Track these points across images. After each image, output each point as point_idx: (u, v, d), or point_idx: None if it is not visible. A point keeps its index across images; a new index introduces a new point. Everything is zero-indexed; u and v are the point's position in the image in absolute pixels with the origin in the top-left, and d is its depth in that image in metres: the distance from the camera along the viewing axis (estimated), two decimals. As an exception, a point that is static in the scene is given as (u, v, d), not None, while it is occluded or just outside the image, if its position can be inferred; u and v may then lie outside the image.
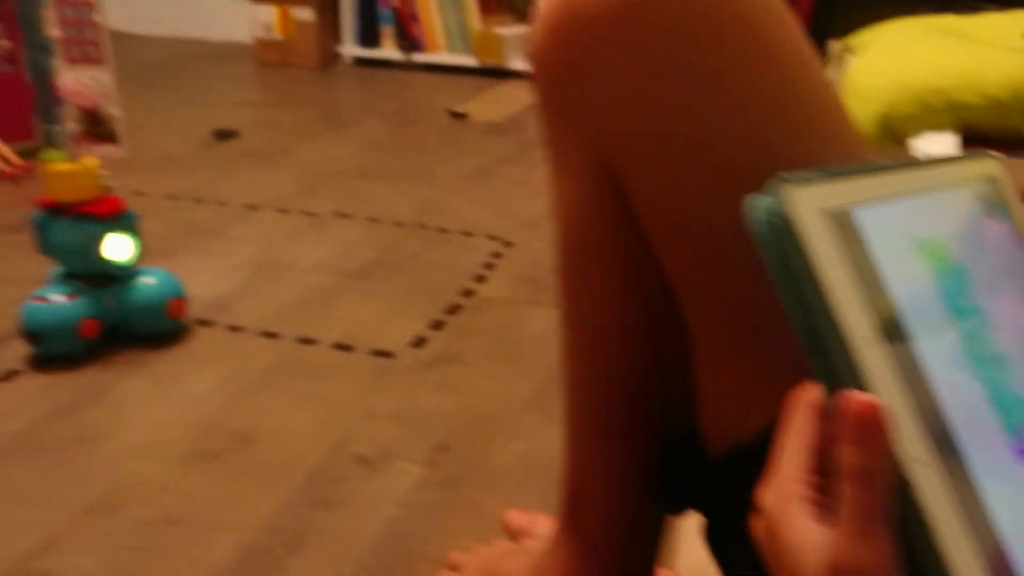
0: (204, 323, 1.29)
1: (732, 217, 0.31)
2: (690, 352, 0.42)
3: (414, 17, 3.18)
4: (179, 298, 1.23)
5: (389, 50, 3.24)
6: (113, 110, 2.02)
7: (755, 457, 0.33)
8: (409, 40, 3.20)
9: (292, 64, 3.17)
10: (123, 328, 1.21)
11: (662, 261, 0.39)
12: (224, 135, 2.26)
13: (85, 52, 1.97)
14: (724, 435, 0.39)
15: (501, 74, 3.14)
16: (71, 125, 2.04)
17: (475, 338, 1.27)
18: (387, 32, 3.24)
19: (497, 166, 2.10)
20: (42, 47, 1.99)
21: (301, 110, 2.60)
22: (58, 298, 1.15)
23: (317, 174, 2.00)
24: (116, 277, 1.20)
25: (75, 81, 1.99)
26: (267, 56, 3.20)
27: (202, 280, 1.43)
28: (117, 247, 1.18)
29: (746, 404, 0.37)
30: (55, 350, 1.16)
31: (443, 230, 1.68)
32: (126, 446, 1.00)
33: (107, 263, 1.18)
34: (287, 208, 1.77)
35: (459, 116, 2.56)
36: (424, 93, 2.87)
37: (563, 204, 0.43)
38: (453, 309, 1.36)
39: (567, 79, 0.37)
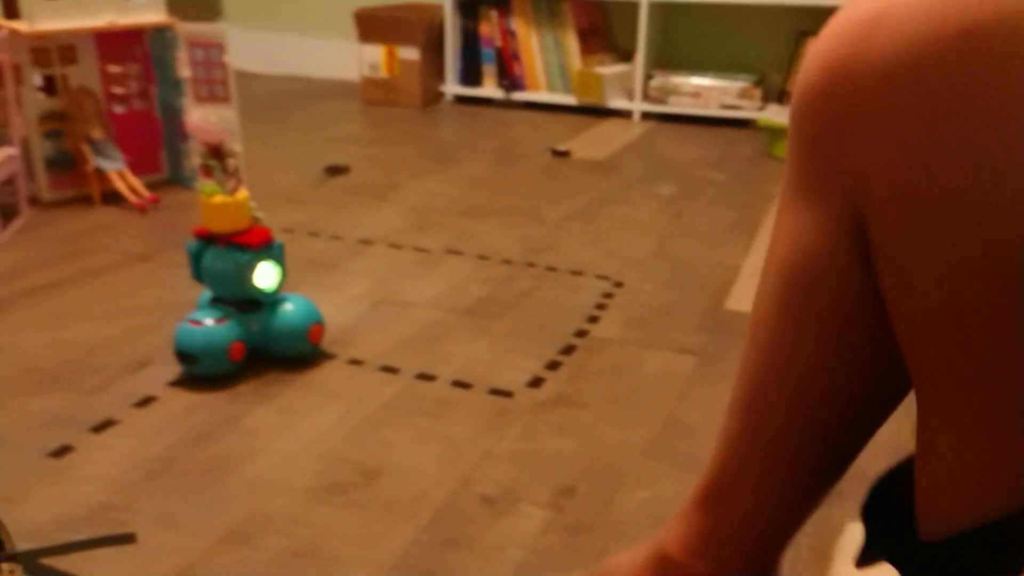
0: (326, 356, 1.32)
1: (1001, 292, 0.29)
2: (892, 415, 0.41)
3: (516, 57, 3.23)
4: (319, 324, 1.30)
5: (490, 88, 3.30)
6: (235, 146, 2.11)
7: (989, 546, 0.31)
8: (510, 79, 3.25)
9: (397, 102, 3.26)
10: (265, 351, 1.28)
11: (900, 326, 0.38)
12: (335, 171, 2.33)
13: (212, 91, 2.07)
14: (952, 516, 0.37)
15: (599, 112, 3.16)
16: (195, 160, 2.14)
17: (592, 380, 1.26)
18: (488, 71, 3.30)
19: (601, 205, 2.10)
20: (171, 86, 2.09)
21: (407, 147, 2.66)
22: (210, 321, 1.22)
23: (426, 210, 2.03)
24: (261, 303, 1.27)
25: (202, 118, 2.08)
26: (373, 94, 3.30)
27: (323, 313, 1.46)
28: (265, 275, 1.25)
29: (990, 488, 0.35)
30: (206, 371, 1.22)
31: (552, 268, 1.69)
32: (257, 475, 1.02)
33: (255, 289, 1.25)
34: (399, 243, 1.81)
35: (561, 154, 2.57)
36: (525, 131, 2.90)
37: (795, 243, 0.42)
38: (568, 349, 1.35)
39: (832, 132, 0.36)
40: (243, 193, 1.25)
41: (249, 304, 1.26)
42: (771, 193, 2.21)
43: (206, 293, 1.30)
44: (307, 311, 1.29)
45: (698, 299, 1.55)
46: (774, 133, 2.58)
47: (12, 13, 2.32)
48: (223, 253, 1.24)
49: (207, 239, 1.25)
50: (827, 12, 2.76)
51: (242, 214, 1.24)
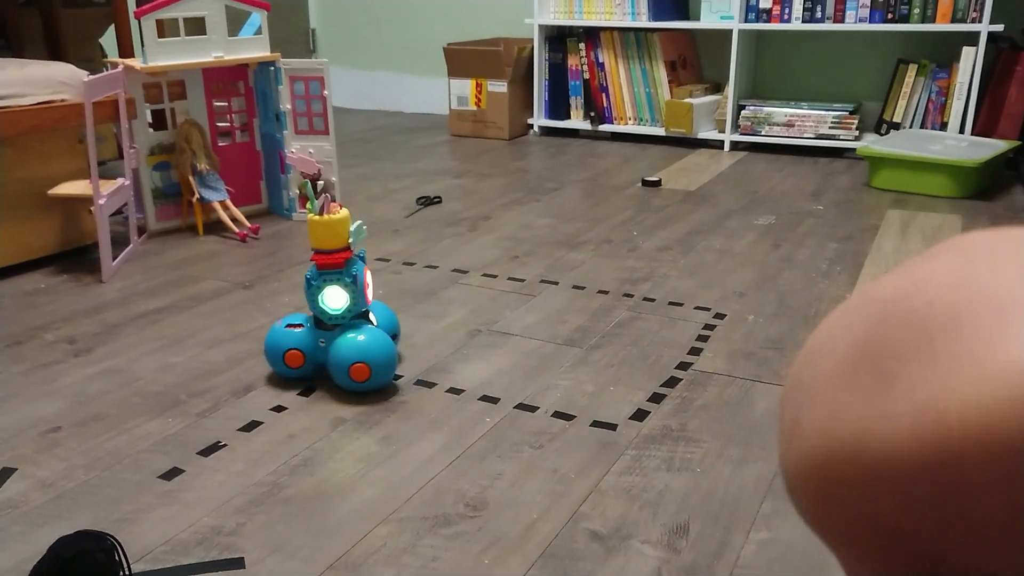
0: (425, 384, 1.31)
1: None
2: None
3: (603, 88, 3.23)
4: (363, 363, 1.24)
5: (577, 120, 3.30)
6: (332, 177, 2.15)
7: None
8: (597, 111, 3.24)
9: (485, 134, 3.29)
10: (324, 372, 1.30)
11: None
12: (427, 201, 2.35)
13: (312, 124, 2.12)
14: None
15: (689, 143, 3.11)
16: (294, 191, 2.19)
17: (699, 414, 1.21)
18: (575, 103, 3.30)
19: (697, 235, 2.05)
20: (272, 119, 2.15)
21: (497, 178, 2.67)
22: (285, 324, 1.30)
23: (519, 240, 2.03)
24: (334, 324, 1.29)
25: (302, 150, 2.13)
26: (461, 127, 3.34)
27: (420, 341, 1.46)
28: (333, 297, 1.27)
29: None
30: (269, 365, 1.32)
31: (649, 299, 1.65)
32: (362, 504, 1.01)
33: (320, 309, 1.27)
34: (493, 273, 1.80)
35: (652, 184, 2.54)
36: (614, 162, 2.88)
37: None
38: (671, 382, 1.31)
39: (835, 515, 0.28)
40: (338, 215, 1.25)
41: (323, 321, 1.29)
42: (873, 224, 2.12)
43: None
44: (357, 348, 1.24)
45: (805, 332, 1.49)
46: (875, 162, 2.49)
47: (126, 52, 2.44)
48: (311, 268, 1.28)
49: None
50: (925, 37, 2.67)
51: (328, 234, 1.25)
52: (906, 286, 0.26)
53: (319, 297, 1.26)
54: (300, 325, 1.29)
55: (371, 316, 1.31)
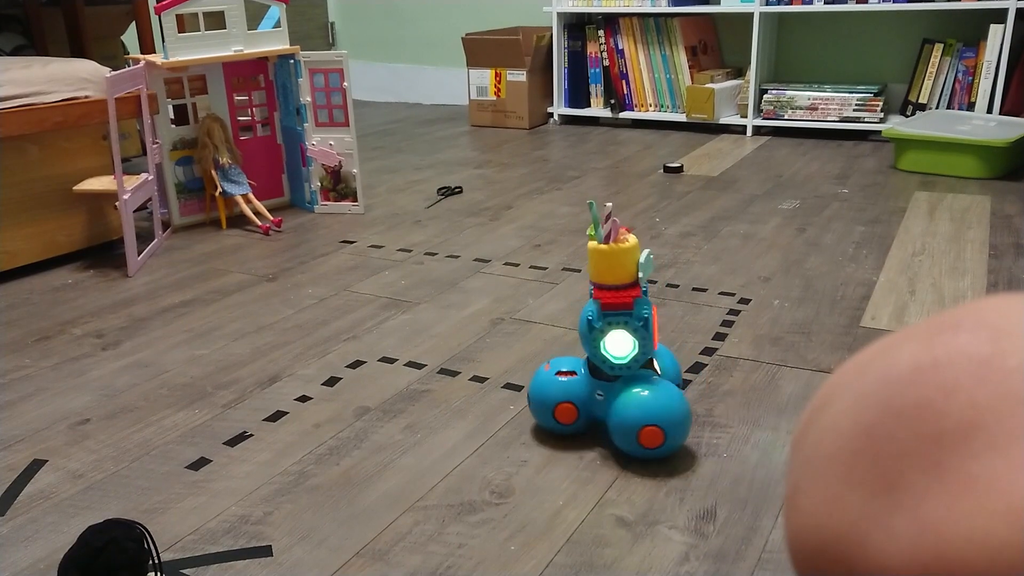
0: (449, 373, 1.31)
1: None
2: None
3: (623, 76, 3.20)
4: (656, 427, 1.03)
5: (597, 108, 3.28)
6: (354, 169, 2.15)
7: None
8: (618, 98, 3.22)
9: (505, 124, 3.28)
10: (605, 428, 1.09)
11: None
12: (448, 191, 2.35)
13: (332, 116, 2.12)
14: None
15: (710, 129, 3.09)
16: (316, 183, 2.19)
17: (725, 399, 1.20)
18: (596, 91, 3.28)
19: (720, 221, 2.03)
20: (292, 113, 2.16)
21: (518, 167, 2.66)
22: (554, 370, 1.09)
23: (540, 229, 2.02)
24: (615, 374, 1.07)
25: (323, 142, 2.14)
26: (481, 117, 3.33)
27: (443, 331, 1.46)
28: (618, 343, 1.05)
29: None
30: (535, 417, 1.12)
31: (672, 285, 1.64)
32: (388, 491, 1.01)
33: (601, 357, 1.06)
34: (515, 262, 1.80)
35: (674, 171, 2.52)
36: (635, 149, 2.86)
37: None
38: (696, 367, 1.30)
39: None
40: (627, 244, 1.02)
41: (603, 369, 1.07)
42: (900, 207, 2.09)
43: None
44: (647, 408, 1.03)
45: (832, 316, 1.47)
46: (901, 144, 2.45)
47: (147, 48, 2.45)
48: (590, 305, 1.06)
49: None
50: (951, 16, 2.63)
51: (615, 266, 1.02)
52: (923, 365, 0.23)
53: (601, 343, 1.05)
54: (572, 373, 1.09)
55: (654, 363, 1.09)
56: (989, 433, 0.21)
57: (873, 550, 0.22)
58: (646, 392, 1.04)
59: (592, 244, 1.03)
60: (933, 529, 0.21)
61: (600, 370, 1.07)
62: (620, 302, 1.03)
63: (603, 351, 1.05)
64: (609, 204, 1.05)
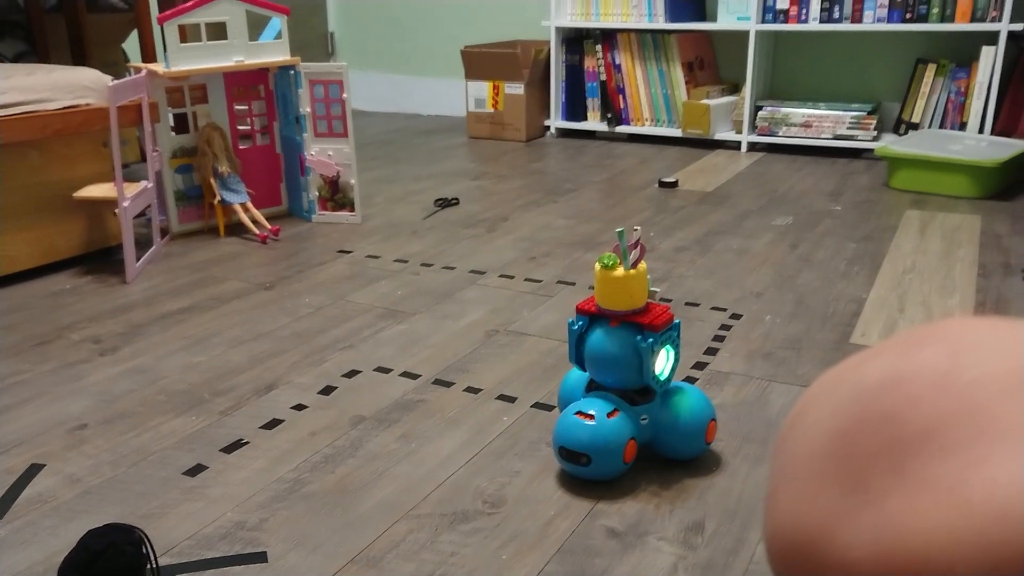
0: (443, 383, 1.32)
1: None
2: None
3: (620, 90, 3.23)
4: (715, 420, 1.09)
5: (594, 122, 3.31)
6: (352, 179, 2.17)
7: None
8: (614, 113, 3.25)
9: (502, 136, 3.30)
10: (652, 447, 1.09)
11: None
12: (445, 203, 2.37)
13: (331, 127, 2.14)
14: None
15: (706, 144, 3.12)
16: (314, 193, 2.21)
17: (716, 413, 1.22)
18: (593, 105, 3.31)
19: (714, 236, 2.06)
20: (292, 122, 2.18)
21: (514, 180, 2.69)
22: (601, 415, 1.03)
23: (536, 241, 2.04)
24: (653, 392, 1.08)
25: (321, 152, 2.16)
26: (479, 129, 3.35)
27: (438, 341, 1.48)
28: (660, 360, 1.06)
29: None
30: (596, 473, 1.03)
31: (666, 300, 1.66)
32: (382, 500, 1.03)
33: (654, 378, 1.05)
34: (510, 274, 1.81)
35: (669, 186, 2.55)
36: (631, 163, 2.89)
37: None
38: (687, 381, 1.32)
39: None
40: (643, 266, 1.04)
41: (639, 394, 1.07)
42: (892, 225, 2.12)
43: (571, 377, 1.14)
44: (703, 404, 1.08)
45: (822, 332, 1.49)
46: (894, 163, 2.48)
47: (149, 57, 2.47)
48: (616, 334, 1.04)
49: (594, 316, 1.06)
50: (944, 37, 2.67)
51: (642, 290, 1.04)
52: (890, 378, 0.26)
53: (652, 363, 1.03)
54: (616, 411, 1.04)
55: None
56: (944, 439, 0.23)
57: (841, 543, 0.24)
58: (691, 393, 1.09)
59: (621, 271, 1.02)
60: (895, 523, 0.23)
61: (636, 395, 1.07)
62: (665, 320, 1.04)
63: (654, 373, 1.04)
64: (638, 228, 1.07)
